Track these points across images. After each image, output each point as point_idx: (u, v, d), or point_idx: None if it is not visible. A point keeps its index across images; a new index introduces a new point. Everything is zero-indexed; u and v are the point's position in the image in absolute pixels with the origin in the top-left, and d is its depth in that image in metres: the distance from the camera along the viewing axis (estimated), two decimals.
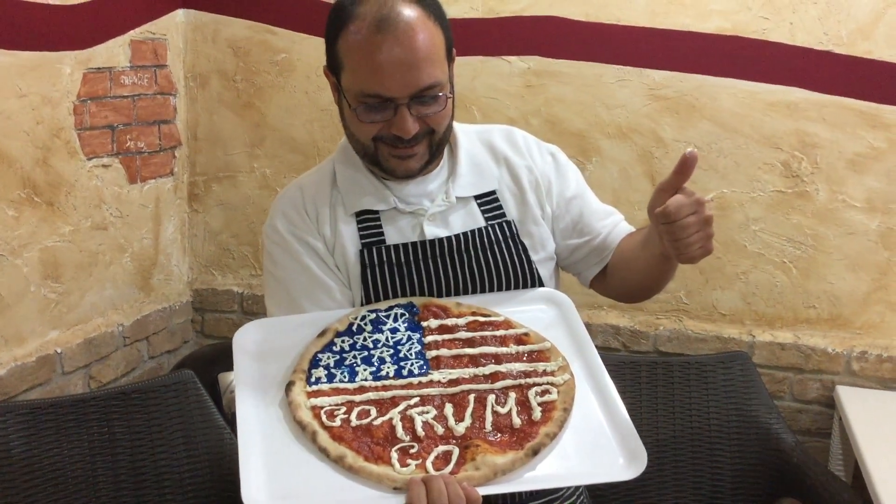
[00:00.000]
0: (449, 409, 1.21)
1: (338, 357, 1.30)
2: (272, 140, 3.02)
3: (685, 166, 1.21)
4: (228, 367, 2.63)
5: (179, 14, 2.98)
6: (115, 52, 2.68)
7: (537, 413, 1.20)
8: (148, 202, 2.91)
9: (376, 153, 1.35)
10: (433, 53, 1.28)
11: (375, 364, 1.29)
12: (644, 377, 2.35)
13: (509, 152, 1.49)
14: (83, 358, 2.60)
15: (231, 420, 2.47)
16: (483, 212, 1.43)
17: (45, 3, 2.40)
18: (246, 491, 1.09)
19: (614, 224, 1.52)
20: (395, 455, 1.14)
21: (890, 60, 2.47)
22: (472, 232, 1.41)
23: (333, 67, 1.35)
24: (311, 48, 2.90)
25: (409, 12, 1.26)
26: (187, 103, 3.06)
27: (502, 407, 1.22)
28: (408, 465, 1.13)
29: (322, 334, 1.33)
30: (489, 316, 1.36)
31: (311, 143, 2.97)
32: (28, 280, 2.42)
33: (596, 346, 1.33)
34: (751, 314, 2.72)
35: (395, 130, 1.30)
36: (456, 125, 1.49)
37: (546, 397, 1.23)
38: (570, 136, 2.72)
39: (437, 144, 1.37)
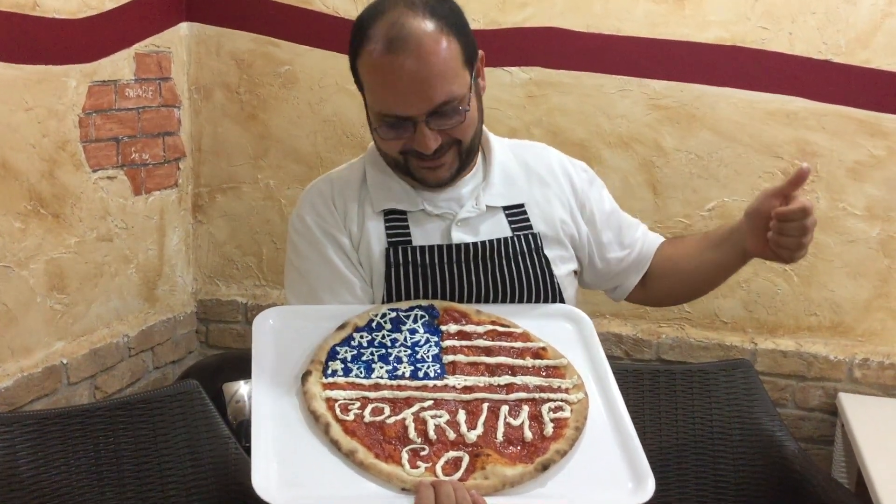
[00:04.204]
0: (462, 416, 1.21)
1: (355, 352, 1.30)
2: (276, 151, 3.04)
3: (800, 178, 1.29)
4: (233, 377, 2.64)
5: (183, 27, 3.00)
6: (119, 65, 2.71)
7: (549, 429, 1.20)
8: (153, 214, 2.93)
9: (406, 165, 1.37)
10: (447, 68, 1.27)
11: (392, 363, 1.29)
12: (646, 385, 2.35)
13: (543, 173, 1.51)
14: (89, 369, 2.61)
15: (236, 430, 2.48)
16: (510, 223, 1.45)
17: (51, 18, 2.42)
18: (256, 477, 1.09)
19: (645, 234, 1.61)
20: (406, 455, 1.14)
21: (888, 69, 2.49)
22: (498, 240, 1.42)
23: (358, 84, 1.37)
24: (315, 60, 2.92)
25: (421, 28, 1.25)
26: (191, 115, 3.08)
27: (514, 419, 1.22)
28: (418, 468, 1.13)
29: (342, 328, 1.33)
30: (508, 326, 1.37)
31: (315, 154, 2.99)
32: (34, 291, 2.44)
33: None
34: (753, 322, 2.73)
35: (416, 146, 1.32)
36: (492, 136, 1.51)
37: (559, 414, 1.23)
38: (571, 145, 2.73)
39: (467, 152, 1.38)
